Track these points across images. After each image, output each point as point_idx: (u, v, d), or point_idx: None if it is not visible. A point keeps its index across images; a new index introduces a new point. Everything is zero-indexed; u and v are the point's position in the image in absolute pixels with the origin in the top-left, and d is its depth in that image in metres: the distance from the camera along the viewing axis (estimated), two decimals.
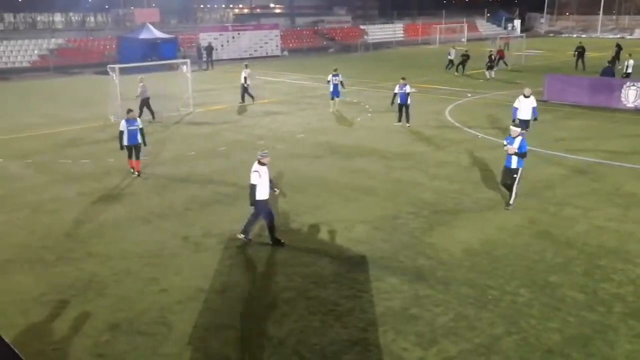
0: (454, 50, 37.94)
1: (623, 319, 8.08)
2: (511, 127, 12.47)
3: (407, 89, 20.43)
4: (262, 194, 10.39)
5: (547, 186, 13.89)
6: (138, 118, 14.87)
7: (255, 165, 10.36)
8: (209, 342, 7.69)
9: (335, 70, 23.98)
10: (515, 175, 12.20)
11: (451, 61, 36.89)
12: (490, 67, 33.80)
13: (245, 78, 26.01)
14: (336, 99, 23.96)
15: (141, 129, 14.99)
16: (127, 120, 14.79)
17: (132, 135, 14.84)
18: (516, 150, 11.92)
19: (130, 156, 15.10)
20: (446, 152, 17.09)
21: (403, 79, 20.80)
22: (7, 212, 12.78)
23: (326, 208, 12.65)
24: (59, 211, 12.81)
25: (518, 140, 11.96)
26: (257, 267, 9.94)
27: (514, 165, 12.12)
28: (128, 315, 8.38)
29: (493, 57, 34.71)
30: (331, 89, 23.74)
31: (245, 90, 26.16)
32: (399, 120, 20.75)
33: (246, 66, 26.51)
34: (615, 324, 7.94)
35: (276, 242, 10.66)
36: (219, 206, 12.97)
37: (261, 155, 10.43)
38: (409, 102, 20.44)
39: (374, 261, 10.00)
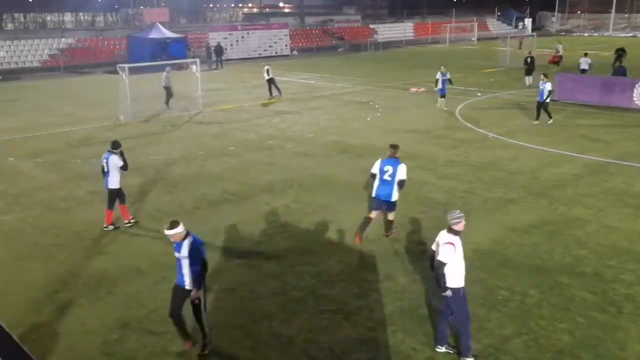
0: (561, 45, 35.14)
1: (634, 319, 8.03)
2: (165, 231, 7.04)
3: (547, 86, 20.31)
4: (456, 279, 6.90)
5: (557, 186, 13.82)
6: (114, 154, 11.20)
7: (445, 235, 6.89)
8: (218, 341, 7.71)
9: (443, 67, 24.33)
10: (196, 302, 7.24)
11: (561, 57, 32.43)
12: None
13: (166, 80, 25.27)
14: (443, 97, 24.30)
15: (123, 167, 11.25)
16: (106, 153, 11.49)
17: (106, 174, 11.43)
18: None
19: (110, 205, 11.44)
20: (456, 152, 17.03)
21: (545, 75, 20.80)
22: (20, 210, 12.91)
23: (335, 207, 12.66)
24: (70, 209, 12.92)
25: (186, 244, 7.05)
26: (266, 266, 9.96)
27: (187, 284, 7.18)
28: (138, 313, 8.44)
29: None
30: (439, 87, 24.07)
31: (170, 93, 25.35)
32: (550, 117, 20.48)
33: (168, 70, 25.78)
34: (625, 325, 7.90)
35: (458, 352, 7.28)
36: (228, 205, 13.02)
37: (452, 220, 6.84)
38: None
39: (382, 260, 10.00)
